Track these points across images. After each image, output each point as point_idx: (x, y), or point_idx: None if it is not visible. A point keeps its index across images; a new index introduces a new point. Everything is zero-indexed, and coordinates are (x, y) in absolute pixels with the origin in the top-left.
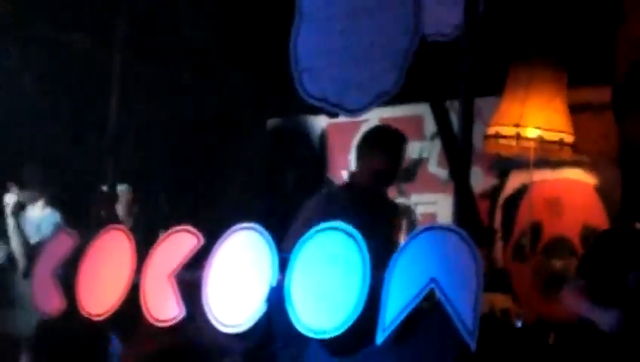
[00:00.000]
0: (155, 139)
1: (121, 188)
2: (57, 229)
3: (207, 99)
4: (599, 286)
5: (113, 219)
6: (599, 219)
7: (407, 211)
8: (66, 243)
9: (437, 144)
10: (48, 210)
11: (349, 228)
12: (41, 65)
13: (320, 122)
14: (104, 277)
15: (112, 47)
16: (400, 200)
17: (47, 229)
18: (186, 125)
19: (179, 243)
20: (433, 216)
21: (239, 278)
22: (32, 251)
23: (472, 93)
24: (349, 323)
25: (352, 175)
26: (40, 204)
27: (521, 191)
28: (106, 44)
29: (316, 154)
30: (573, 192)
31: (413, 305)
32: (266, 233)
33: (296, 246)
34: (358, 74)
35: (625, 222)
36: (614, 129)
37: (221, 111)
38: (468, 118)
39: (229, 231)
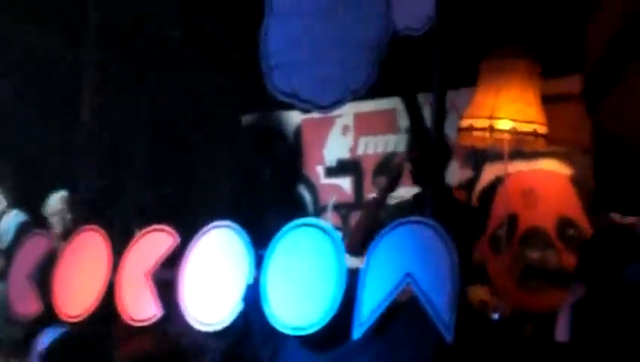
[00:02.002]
0: (129, 137)
1: (57, 196)
2: (21, 229)
3: (181, 96)
4: (599, 287)
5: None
6: (574, 209)
7: None
8: (40, 244)
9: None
10: (14, 211)
11: (324, 224)
12: (8, 63)
13: (295, 118)
14: (80, 278)
15: (82, 44)
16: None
17: (11, 230)
18: (159, 122)
19: (154, 242)
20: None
21: (215, 276)
22: (6, 253)
23: (444, 85)
24: (326, 320)
25: None
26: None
27: (496, 183)
28: (76, 41)
29: (291, 149)
30: (547, 183)
31: (389, 301)
32: (242, 231)
33: (271, 243)
34: (330, 70)
35: (598, 212)
36: (587, 119)
37: (195, 107)
38: (440, 111)
39: (204, 230)
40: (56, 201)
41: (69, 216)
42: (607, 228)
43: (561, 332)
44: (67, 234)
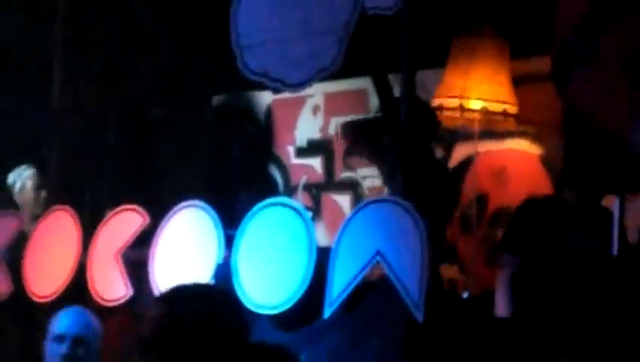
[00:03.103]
0: (98, 119)
1: (28, 173)
2: None
3: (151, 77)
4: (537, 255)
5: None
6: (544, 188)
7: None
8: (11, 224)
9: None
10: None
11: (294, 203)
12: None
13: (265, 98)
14: (50, 259)
15: (50, 24)
16: (347, 174)
17: None
18: (130, 103)
19: (125, 222)
20: (380, 189)
21: (185, 256)
22: None
23: (413, 65)
24: (296, 299)
25: None
26: None
27: (467, 163)
28: (44, 22)
29: (262, 130)
30: (518, 163)
31: (359, 279)
32: (212, 210)
33: (242, 223)
34: (299, 49)
35: (562, 191)
36: (556, 99)
37: (166, 89)
38: (409, 89)
39: (174, 209)
40: (25, 179)
41: (43, 195)
42: (537, 200)
43: (503, 307)
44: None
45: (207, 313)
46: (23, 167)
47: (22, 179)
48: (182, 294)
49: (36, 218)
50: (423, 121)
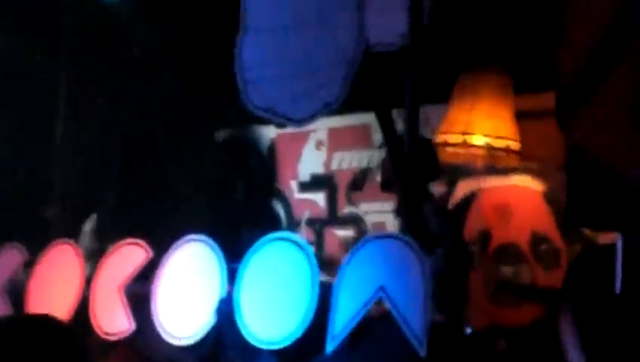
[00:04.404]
0: (102, 152)
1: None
2: None
3: (156, 111)
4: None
5: None
6: (547, 224)
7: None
8: (14, 258)
9: (384, 153)
10: None
11: (297, 238)
12: None
13: (269, 133)
14: (53, 292)
15: (55, 58)
16: (349, 209)
17: None
18: (134, 137)
19: (128, 256)
20: (383, 224)
21: (188, 290)
22: None
23: (417, 101)
24: (299, 334)
25: None
26: None
27: (470, 199)
28: (48, 56)
29: (265, 164)
30: (521, 199)
31: (362, 314)
32: (215, 245)
33: (245, 257)
34: (304, 84)
35: (569, 227)
36: (560, 135)
37: (170, 123)
38: (412, 125)
39: (177, 244)
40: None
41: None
42: (589, 252)
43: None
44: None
45: (36, 342)
46: None
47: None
48: (14, 324)
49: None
50: (425, 158)
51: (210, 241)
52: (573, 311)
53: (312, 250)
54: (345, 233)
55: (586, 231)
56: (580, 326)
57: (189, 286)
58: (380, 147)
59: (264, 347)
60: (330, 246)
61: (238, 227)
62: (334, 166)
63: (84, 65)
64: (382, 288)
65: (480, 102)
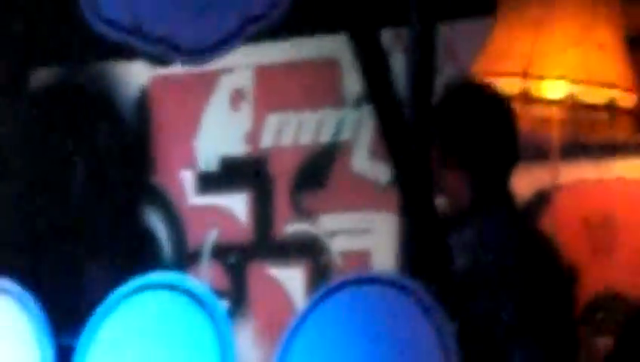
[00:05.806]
0: None
1: None
2: None
3: None
4: None
5: None
6: None
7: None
8: None
9: (367, 116)
10: None
11: (193, 284)
12: None
13: (136, 74)
14: None
15: None
16: (298, 226)
17: None
18: None
19: None
20: (363, 255)
21: None
22: None
23: (430, 14)
24: None
25: None
26: None
27: (537, 205)
28: None
29: (127, 136)
30: (635, 205)
31: None
32: (32, 300)
33: (89, 326)
34: None
35: None
36: None
37: None
38: (424, 59)
39: None
40: None
41: None
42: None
43: None
44: None
45: None
46: None
47: None
48: None
49: None
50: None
51: (24, 294)
52: None
53: (223, 307)
54: (288, 272)
55: None
56: None
57: None
58: (356, 104)
59: None
60: (260, 299)
61: (77, 260)
62: (267, 140)
63: None
64: None
65: (555, 19)
